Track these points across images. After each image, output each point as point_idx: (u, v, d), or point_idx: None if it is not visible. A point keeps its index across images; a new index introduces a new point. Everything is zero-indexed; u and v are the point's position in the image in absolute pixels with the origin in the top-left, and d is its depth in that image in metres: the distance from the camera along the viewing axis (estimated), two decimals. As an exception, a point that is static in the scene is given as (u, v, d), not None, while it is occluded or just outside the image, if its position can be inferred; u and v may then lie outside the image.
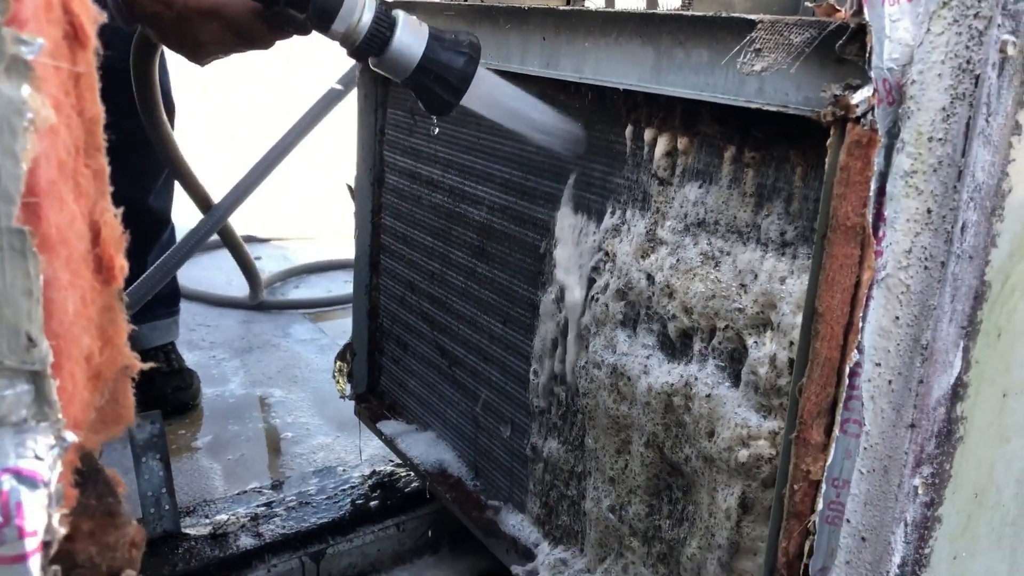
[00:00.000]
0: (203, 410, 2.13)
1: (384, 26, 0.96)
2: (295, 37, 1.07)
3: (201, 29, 0.97)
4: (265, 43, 1.03)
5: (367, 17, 0.95)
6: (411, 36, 0.97)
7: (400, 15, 0.98)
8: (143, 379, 1.78)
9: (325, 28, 0.96)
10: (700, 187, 0.91)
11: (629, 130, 0.99)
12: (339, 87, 1.90)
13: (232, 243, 2.12)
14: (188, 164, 1.84)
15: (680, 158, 0.93)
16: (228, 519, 1.52)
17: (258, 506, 1.56)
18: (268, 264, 3.22)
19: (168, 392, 2.05)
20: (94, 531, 0.40)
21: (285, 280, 3.03)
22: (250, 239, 3.42)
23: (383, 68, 0.99)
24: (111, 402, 0.42)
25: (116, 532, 0.41)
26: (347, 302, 2.60)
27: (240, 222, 2.18)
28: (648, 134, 0.96)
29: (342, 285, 2.97)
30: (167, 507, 1.45)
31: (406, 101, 1.46)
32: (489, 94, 1.04)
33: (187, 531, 1.48)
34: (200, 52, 1.02)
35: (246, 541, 1.47)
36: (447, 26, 1.24)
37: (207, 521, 1.52)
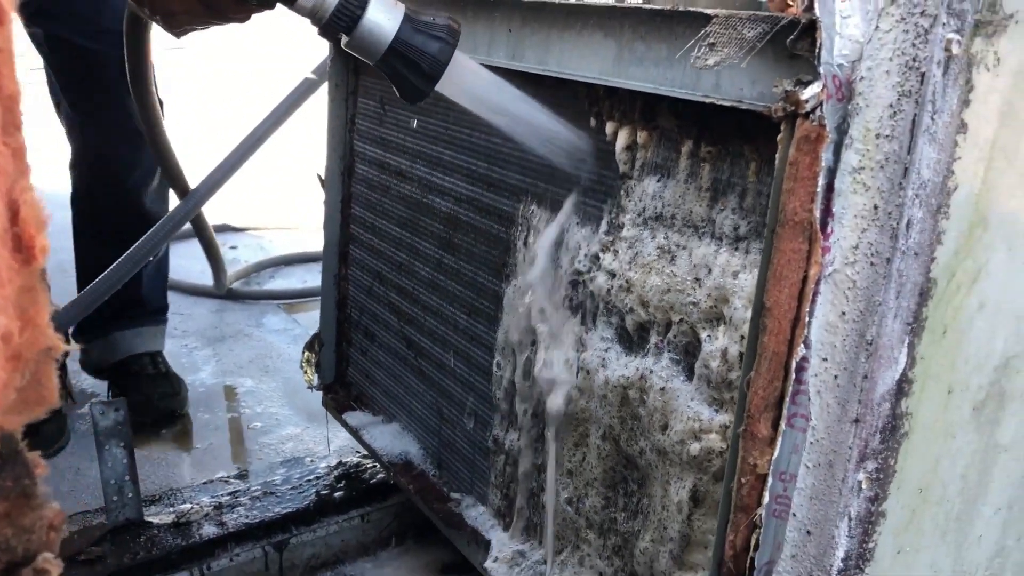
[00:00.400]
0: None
1: (354, 2, 0.91)
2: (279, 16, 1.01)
3: None
4: (237, 16, 0.98)
5: None
6: (383, 15, 0.92)
7: None
8: (130, 383, 1.71)
9: (291, 1, 0.91)
10: (658, 181, 0.91)
11: (592, 123, 1.00)
12: (313, 77, 1.89)
13: (201, 229, 2.10)
14: (171, 146, 1.81)
15: (640, 152, 0.93)
16: (192, 508, 1.51)
17: (223, 495, 1.56)
18: (244, 253, 3.20)
19: (155, 398, 1.99)
20: (9, 512, 0.40)
21: (259, 271, 3.01)
22: (226, 228, 3.40)
23: (353, 48, 0.94)
24: (33, 383, 0.41)
25: (32, 514, 0.41)
26: (318, 294, 2.60)
27: (217, 211, 2.16)
28: (609, 127, 0.97)
29: (318, 276, 2.96)
30: (130, 495, 1.45)
31: (376, 91, 1.45)
32: (468, 83, 0.98)
33: (150, 519, 1.47)
34: (173, 22, 0.99)
35: (209, 530, 1.46)
36: (416, 16, 1.24)
37: (171, 510, 1.52)
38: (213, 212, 2.12)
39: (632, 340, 0.96)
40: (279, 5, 0.95)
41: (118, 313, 1.96)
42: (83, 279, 1.95)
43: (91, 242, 1.96)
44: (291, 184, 3.97)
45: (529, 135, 1.03)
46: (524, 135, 1.03)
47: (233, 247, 3.26)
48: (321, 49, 1.62)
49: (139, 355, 2.02)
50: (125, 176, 1.92)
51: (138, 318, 2.01)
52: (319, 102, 1.94)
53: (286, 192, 3.91)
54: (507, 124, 1.03)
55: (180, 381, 2.06)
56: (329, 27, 0.92)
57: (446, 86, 0.95)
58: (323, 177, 1.58)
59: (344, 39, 0.94)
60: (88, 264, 1.95)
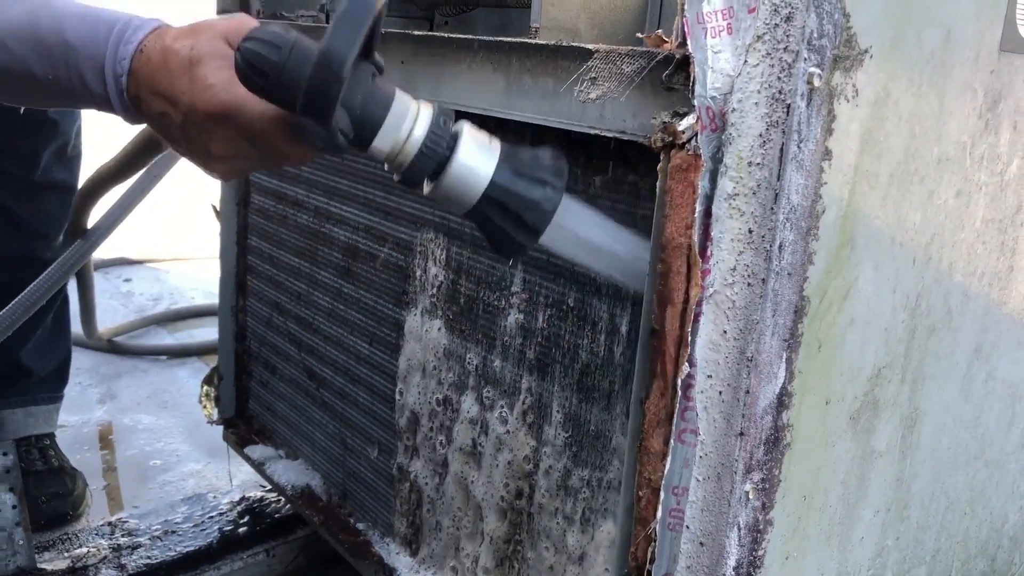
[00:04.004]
0: (69, 439, 2.04)
1: (441, 144, 0.75)
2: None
3: (212, 137, 0.79)
4: (293, 158, 0.83)
5: (420, 131, 0.74)
6: (476, 156, 0.75)
7: (464, 128, 0.77)
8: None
9: (363, 145, 0.75)
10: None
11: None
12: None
13: (81, 272, 2.00)
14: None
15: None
16: (88, 552, 1.47)
17: (121, 537, 1.52)
18: (139, 286, 3.13)
19: (41, 500, 1.70)
20: None
21: (145, 327, 2.78)
22: (122, 261, 3.31)
23: (439, 197, 0.77)
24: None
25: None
26: (201, 352, 2.52)
27: (111, 243, 2.05)
28: (501, 157, 0.99)
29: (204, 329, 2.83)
30: (21, 542, 1.39)
31: (271, 121, 1.45)
32: (574, 231, 0.81)
33: (43, 567, 1.42)
34: (214, 163, 0.83)
35: (107, 574, 1.42)
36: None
37: (66, 555, 1.47)
38: (108, 244, 2.04)
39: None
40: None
41: (3, 382, 1.74)
42: None
43: None
44: (186, 213, 3.89)
45: (637, 282, 0.85)
46: (631, 281, 0.87)
47: (127, 280, 3.17)
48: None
49: (28, 444, 1.76)
50: (27, 227, 1.73)
51: (28, 392, 1.77)
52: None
53: (181, 222, 3.83)
54: (622, 275, 0.86)
55: (75, 476, 1.80)
56: (411, 173, 0.76)
57: (548, 236, 0.79)
58: (218, 208, 1.56)
59: (427, 186, 0.78)
60: None
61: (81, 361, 2.46)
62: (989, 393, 0.98)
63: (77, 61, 0.79)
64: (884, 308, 0.81)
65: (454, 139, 0.75)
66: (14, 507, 1.37)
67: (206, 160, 0.83)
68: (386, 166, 0.77)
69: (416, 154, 0.74)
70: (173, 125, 0.80)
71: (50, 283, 1.50)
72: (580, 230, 0.81)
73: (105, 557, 1.45)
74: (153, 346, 2.62)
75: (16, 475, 1.37)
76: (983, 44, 0.80)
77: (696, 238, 0.72)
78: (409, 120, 0.74)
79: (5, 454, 1.37)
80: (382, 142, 0.74)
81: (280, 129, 0.77)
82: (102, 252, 2.15)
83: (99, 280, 2.49)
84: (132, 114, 0.82)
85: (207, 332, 2.69)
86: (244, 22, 0.80)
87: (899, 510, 0.92)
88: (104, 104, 0.81)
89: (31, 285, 1.48)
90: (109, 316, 2.70)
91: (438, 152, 0.75)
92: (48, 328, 1.78)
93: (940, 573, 1.02)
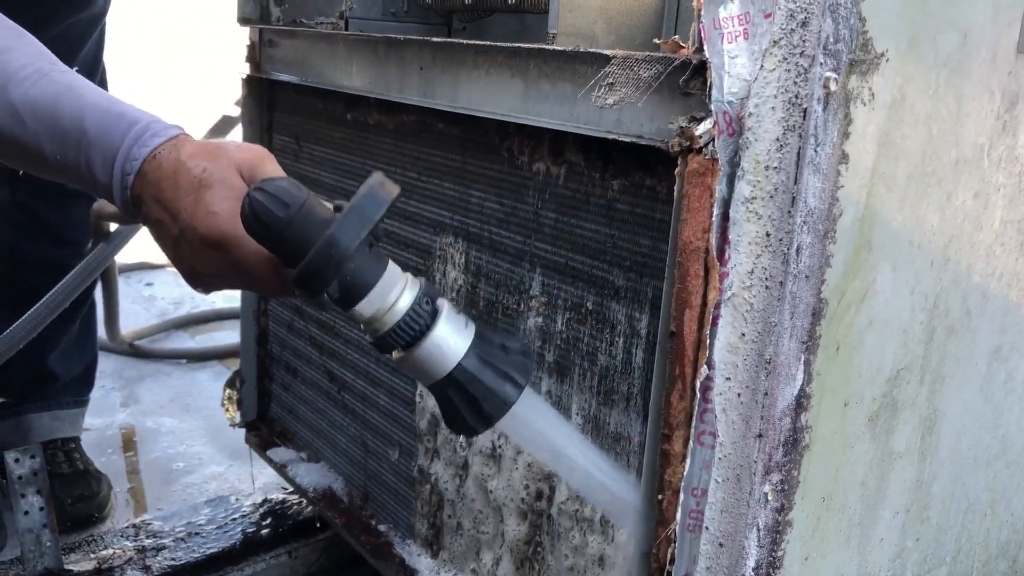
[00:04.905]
0: (93, 442, 2.07)
1: (420, 321, 0.76)
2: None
3: (202, 258, 0.80)
4: (276, 294, 0.85)
5: (404, 303, 0.76)
6: (449, 338, 0.77)
7: (444, 307, 0.78)
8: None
9: (346, 307, 0.76)
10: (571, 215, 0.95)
11: (504, 158, 1.03)
12: (234, 116, 1.88)
13: (106, 275, 2.02)
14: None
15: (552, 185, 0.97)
16: (114, 553, 1.49)
17: (146, 538, 1.54)
18: (161, 291, 3.15)
19: (67, 503, 1.73)
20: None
21: (166, 331, 2.81)
22: (143, 265, 3.34)
23: (405, 366, 0.79)
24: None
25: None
26: (222, 355, 2.54)
27: (133, 247, 2.08)
28: (519, 163, 1.00)
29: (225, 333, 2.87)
30: (48, 544, 1.42)
31: (291, 126, 1.46)
32: (530, 426, 0.84)
33: (70, 567, 1.44)
34: (197, 278, 0.84)
35: (133, 575, 1.44)
36: (329, 54, 1.26)
37: (92, 556, 1.49)
38: (129, 249, 2.07)
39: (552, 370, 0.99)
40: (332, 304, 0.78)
41: (31, 387, 1.76)
42: None
43: (9, 301, 1.66)
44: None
45: (580, 482, 0.92)
46: (574, 480, 0.93)
47: (149, 284, 3.20)
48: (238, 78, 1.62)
49: (54, 447, 1.78)
50: (57, 233, 1.74)
51: (55, 396, 1.80)
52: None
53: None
54: (559, 467, 0.93)
55: (100, 478, 1.83)
56: (385, 341, 0.78)
57: (503, 424, 0.81)
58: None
59: (397, 354, 0.80)
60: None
61: (104, 365, 2.48)
62: (1009, 393, 0.98)
63: (89, 150, 0.79)
64: (902, 310, 0.81)
65: (432, 317, 0.77)
66: (42, 509, 1.39)
67: (190, 274, 0.83)
68: (362, 326, 0.78)
69: (394, 325, 0.76)
70: (167, 235, 0.81)
71: (72, 287, 1.52)
72: (536, 425, 0.84)
73: (130, 558, 1.47)
74: (175, 349, 2.65)
75: (43, 477, 1.39)
76: (1000, 46, 0.80)
77: (714, 241, 0.73)
78: (395, 292, 0.76)
79: (32, 457, 1.39)
80: (365, 308, 0.75)
81: (269, 270, 0.78)
82: (124, 257, 2.18)
83: (121, 284, 2.52)
84: (131, 212, 0.82)
85: (228, 336, 2.72)
86: (261, 159, 0.81)
87: (919, 511, 0.92)
88: (106, 194, 0.81)
89: (54, 288, 1.50)
90: (131, 320, 2.72)
91: (415, 329, 0.76)
92: (75, 334, 1.81)
93: (961, 574, 1.02)
